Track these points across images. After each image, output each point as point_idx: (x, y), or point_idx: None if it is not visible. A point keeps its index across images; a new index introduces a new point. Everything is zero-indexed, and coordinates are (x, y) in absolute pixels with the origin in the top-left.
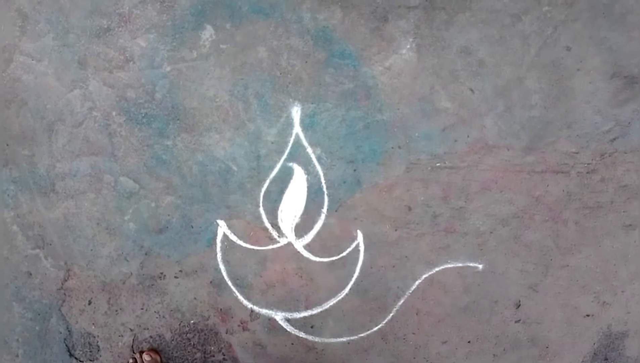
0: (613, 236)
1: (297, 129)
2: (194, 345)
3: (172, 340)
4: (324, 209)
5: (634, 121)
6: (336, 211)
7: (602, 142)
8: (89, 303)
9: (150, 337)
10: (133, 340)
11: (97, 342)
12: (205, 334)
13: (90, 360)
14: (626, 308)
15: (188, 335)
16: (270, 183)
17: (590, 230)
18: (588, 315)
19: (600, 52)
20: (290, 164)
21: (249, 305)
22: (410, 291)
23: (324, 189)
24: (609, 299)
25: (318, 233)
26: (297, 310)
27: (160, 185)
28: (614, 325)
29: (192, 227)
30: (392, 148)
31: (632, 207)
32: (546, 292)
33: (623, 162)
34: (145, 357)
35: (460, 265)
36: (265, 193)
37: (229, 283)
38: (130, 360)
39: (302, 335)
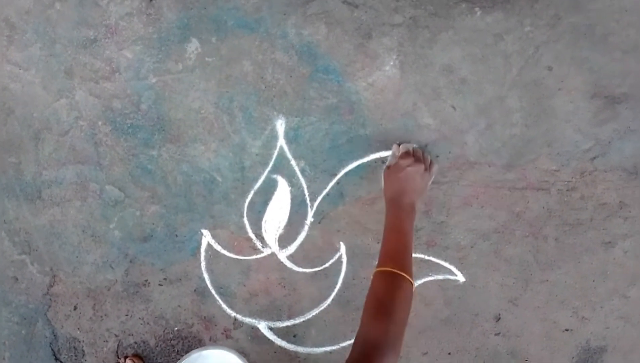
0: (592, 252)
1: (281, 141)
2: (177, 351)
3: (157, 346)
4: (308, 221)
5: (614, 140)
6: (319, 223)
7: (582, 160)
8: (75, 308)
9: (135, 342)
10: (118, 345)
11: (82, 346)
12: (189, 341)
13: None
14: (605, 324)
15: (172, 341)
16: (255, 194)
17: (570, 247)
18: (567, 330)
19: (582, 72)
20: (274, 176)
21: (233, 314)
22: None
23: (308, 201)
24: (588, 314)
25: (301, 244)
26: (280, 319)
27: (145, 194)
28: (593, 340)
29: (177, 236)
30: (375, 162)
31: (611, 225)
32: (526, 306)
33: (603, 180)
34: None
35: (441, 278)
36: (249, 203)
37: (213, 291)
38: None
39: (284, 344)
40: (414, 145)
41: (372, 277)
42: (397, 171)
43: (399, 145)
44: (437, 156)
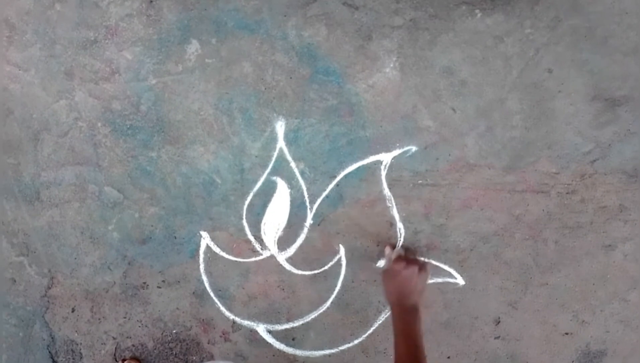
0: (592, 256)
1: (281, 143)
2: (175, 354)
3: (155, 349)
4: (307, 223)
5: (614, 143)
6: (319, 225)
7: (582, 163)
8: (72, 310)
9: (133, 345)
10: (115, 348)
11: (80, 349)
12: (187, 344)
13: None
14: (605, 327)
15: (170, 344)
16: (254, 196)
17: (570, 250)
18: (567, 333)
19: (582, 74)
20: (274, 178)
21: (231, 316)
22: None
23: (307, 203)
24: (588, 318)
25: (300, 247)
26: (279, 322)
27: (144, 196)
28: (593, 344)
29: (176, 238)
30: (375, 164)
31: (611, 228)
32: (525, 309)
33: (603, 183)
34: None
35: (440, 280)
36: (248, 205)
37: (212, 294)
38: None
39: (283, 347)
40: (403, 248)
41: None
42: (394, 275)
43: (392, 248)
44: (437, 159)
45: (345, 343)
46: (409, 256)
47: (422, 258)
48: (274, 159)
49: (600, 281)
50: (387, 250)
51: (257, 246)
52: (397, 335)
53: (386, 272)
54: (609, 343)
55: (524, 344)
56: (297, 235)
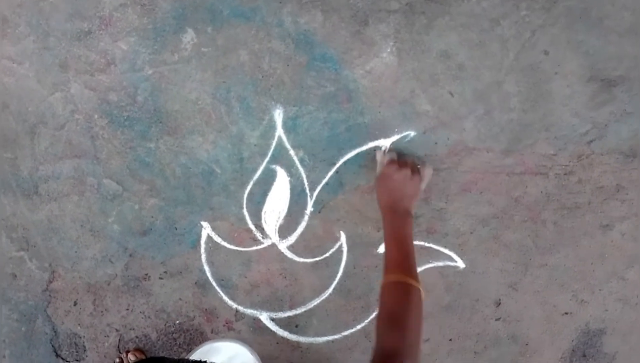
0: (590, 236)
1: (279, 131)
2: (179, 345)
3: (158, 340)
4: (307, 211)
5: (610, 123)
6: (319, 212)
7: (580, 144)
8: (75, 304)
9: (136, 337)
10: (119, 340)
11: (83, 342)
12: (190, 334)
13: (77, 361)
14: (604, 306)
15: (174, 335)
16: (254, 185)
17: (568, 230)
18: (566, 313)
19: (578, 56)
20: (273, 166)
21: (234, 305)
22: None
23: (307, 191)
24: (587, 297)
25: (301, 234)
26: (282, 310)
27: (143, 187)
28: (592, 323)
29: (176, 229)
30: (374, 150)
31: (608, 208)
32: (525, 291)
33: (600, 164)
34: (131, 357)
35: (441, 264)
36: (248, 194)
37: (214, 283)
38: (117, 360)
39: (286, 334)
40: (395, 152)
41: (380, 289)
42: (385, 179)
43: (383, 152)
44: (436, 143)
45: (348, 329)
46: (401, 160)
47: (418, 164)
48: (272, 147)
49: (598, 261)
50: (379, 154)
51: (258, 235)
52: (388, 240)
53: (379, 177)
54: (608, 321)
55: (525, 325)
56: (297, 223)
